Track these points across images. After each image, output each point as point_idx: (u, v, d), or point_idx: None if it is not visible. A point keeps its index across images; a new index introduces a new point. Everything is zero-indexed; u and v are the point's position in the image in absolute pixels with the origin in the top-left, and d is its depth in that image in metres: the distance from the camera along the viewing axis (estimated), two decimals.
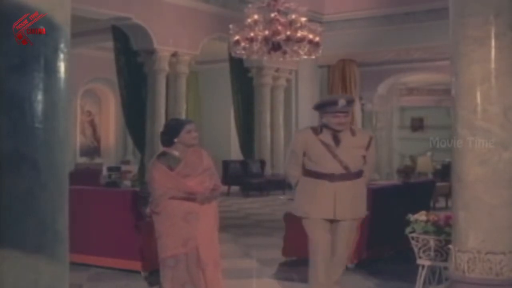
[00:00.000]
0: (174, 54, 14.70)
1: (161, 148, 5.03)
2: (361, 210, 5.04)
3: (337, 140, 4.87)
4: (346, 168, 4.84)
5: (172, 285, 4.78)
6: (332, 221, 4.93)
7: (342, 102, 4.83)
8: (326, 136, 4.88)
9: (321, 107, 4.97)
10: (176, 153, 4.85)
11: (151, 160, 5.06)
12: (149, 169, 5.03)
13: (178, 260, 4.76)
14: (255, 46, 10.96)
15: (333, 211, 4.85)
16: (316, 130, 4.95)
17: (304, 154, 4.95)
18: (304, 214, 4.99)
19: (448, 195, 11.83)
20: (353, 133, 4.96)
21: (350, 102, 4.93)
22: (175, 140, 4.83)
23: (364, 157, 4.94)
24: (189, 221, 4.76)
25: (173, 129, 4.87)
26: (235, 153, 18.20)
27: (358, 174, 4.94)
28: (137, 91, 14.59)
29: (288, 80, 17.89)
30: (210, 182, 4.90)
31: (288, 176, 5.21)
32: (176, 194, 4.76)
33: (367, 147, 4.96)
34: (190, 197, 4.76)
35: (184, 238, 4.75)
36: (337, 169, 4.83)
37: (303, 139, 4.97)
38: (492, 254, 3.79)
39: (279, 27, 10.81)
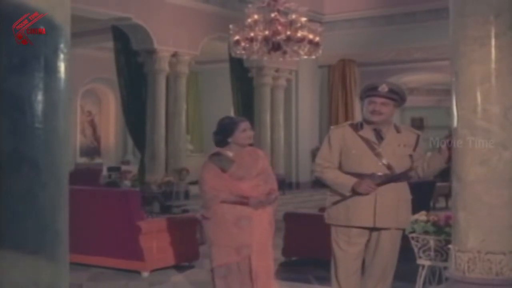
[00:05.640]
0: (174, 54, 14.69)
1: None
2: (406, 219, 4.38)
3: (379, 137, 4.26)
4: (389, 167, 4.19)
5: None
6: (371, 231, 4.27)
7: (383, 87, 4.22)
8: (367, 132, 4.27)
9: (363, 93, 4.38)
10: (230, 153, 4.53)
11: (204, 161, 4.70)
12: (200, 170, 4.65)
13: (230, 269, 4.43)
14: (255, 46, 10.95)
15: (373, 217, 4.17)
16: (356, 126, 4.33)
17: (340, 154, 4.30)
18: (334, 221, 4.31)
19: (448, 195, 11.84)
20: (398, 130, 4.34)
21: (393, 92, 4.26)
22: (229, 140, 4.53)
23: (410, 157, 4.30)
24: (242, 227, 4.40)
25: (227, 128, 4.58)
26: None
27: (404, 176, 4.29)
28: (137, 91, 14.57)
29: (288, 80, 17.88)
30: (265, 185, 4.54)
31: (326, 180, 4.33)
32: (227, 197, 4.41)
33: (415, 146, 4.33)
34: (242, 201, 4.41)
35: (237, 245, 4.39)
36: (379, 168, 4.19)
37: (341, 134, 4.31)
38: (492, 254, 3.79)
39: (279, 27, 10.80)
